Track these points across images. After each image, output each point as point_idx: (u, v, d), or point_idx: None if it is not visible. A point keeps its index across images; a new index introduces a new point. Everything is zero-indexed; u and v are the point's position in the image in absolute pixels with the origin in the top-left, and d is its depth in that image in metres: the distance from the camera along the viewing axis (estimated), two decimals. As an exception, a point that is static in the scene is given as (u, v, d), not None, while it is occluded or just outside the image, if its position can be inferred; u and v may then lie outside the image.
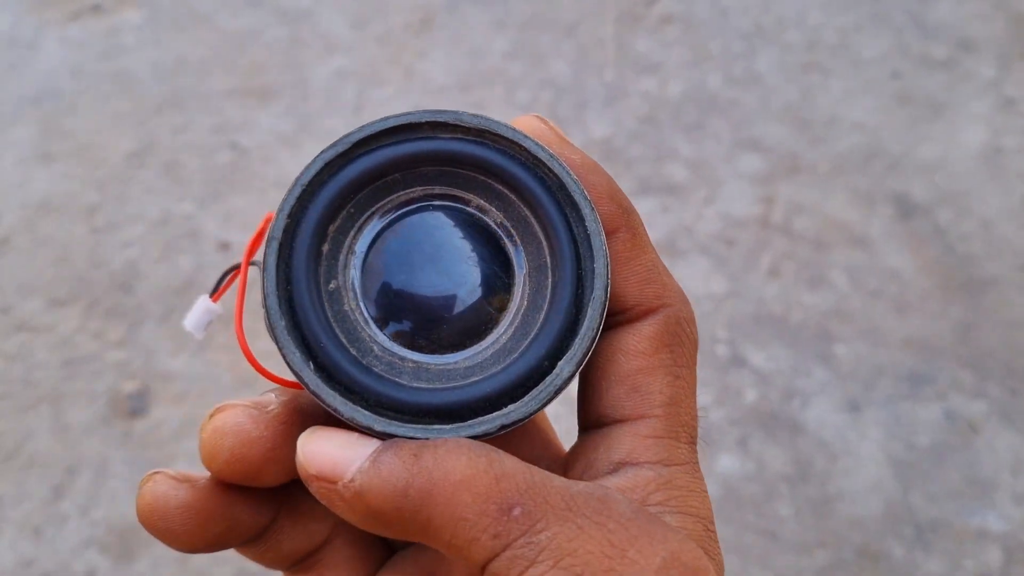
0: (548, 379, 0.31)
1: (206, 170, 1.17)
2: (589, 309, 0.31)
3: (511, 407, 0.30)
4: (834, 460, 1.05)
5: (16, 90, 1.21)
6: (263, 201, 1.15)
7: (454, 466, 0.28)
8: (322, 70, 1.26)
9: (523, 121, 0.34)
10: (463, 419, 0.30)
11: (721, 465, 1.04)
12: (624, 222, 0.33)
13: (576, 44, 1.31)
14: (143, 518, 0.32)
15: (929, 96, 1.30)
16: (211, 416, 0.32)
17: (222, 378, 1.04)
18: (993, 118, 1.28)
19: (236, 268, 0.36)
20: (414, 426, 0.30)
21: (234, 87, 1.24)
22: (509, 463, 0.28)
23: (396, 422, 0.30)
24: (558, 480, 0.28)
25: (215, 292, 0.37)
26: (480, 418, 0.30)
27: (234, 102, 1.22)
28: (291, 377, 0.31)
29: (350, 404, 0.30)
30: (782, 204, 1.20)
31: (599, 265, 0.32)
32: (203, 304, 0.37)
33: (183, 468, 1.02)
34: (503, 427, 0.30)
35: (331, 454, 0.29)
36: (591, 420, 0.33)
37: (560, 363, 0.31)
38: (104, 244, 1.11)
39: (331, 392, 0.30)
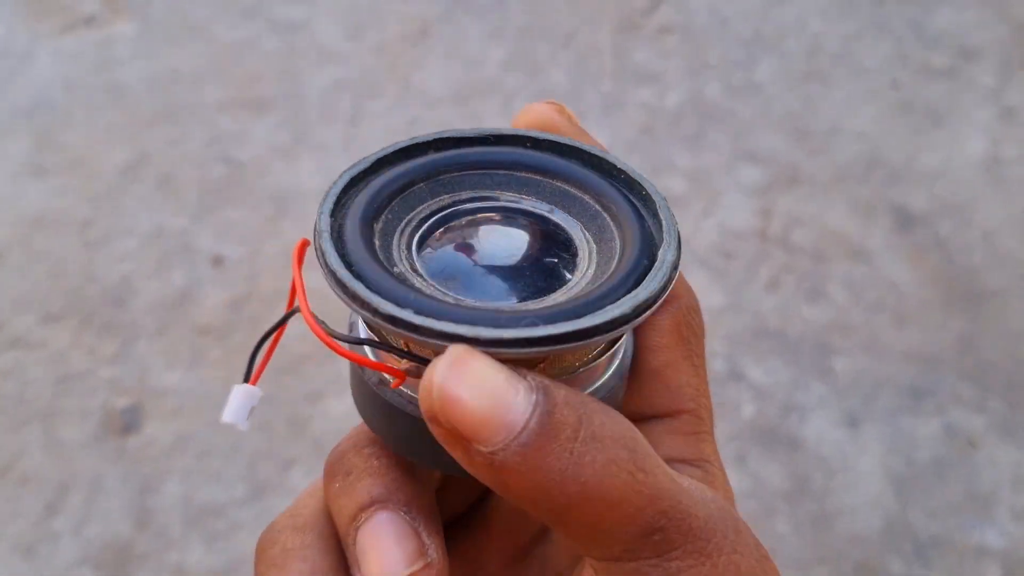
0: (655, 267, 0.29)
1: (200, 183, 1.16)
2: (664, 225, 0.30)
3: (632, 294, 0.27)
4: (833, 476, 1.04)
5: (9, 103, 1.20)
6: (257, 214, 1.15)
7: (612, 484, 0.24)
8: (318, 81, 1.25)
9: (537, 108, 0.34)
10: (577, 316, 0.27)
11: (718, 482, 1.03)
12: None
13: (573, 54, 1.30)
14: None
15: (929, 105, 1.29)
16: None
17: (216, 394, 1.03)
18: (994, 127, 1.27)
19: (266, 339, 0.33)
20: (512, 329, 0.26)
21: (229, 99, 1.23)
22: (662, 478, 0.26)
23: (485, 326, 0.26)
24: (698, 497, 0.26)
25: (249, 375, 0.33)
26: (605, 307, 0.27)
27: (228, 114, 1.22)
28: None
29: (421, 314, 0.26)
30: (781, 216, 1.19)
31: (663, 210, 0.31)
32: (240, 391, 0.33)
33: (175, 485, 1.01)
34: (636, 309, 0.27)
35: (477, 409, 0.24)
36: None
37: (660, 252, 0.29)
38: (98, 259, 1.10)
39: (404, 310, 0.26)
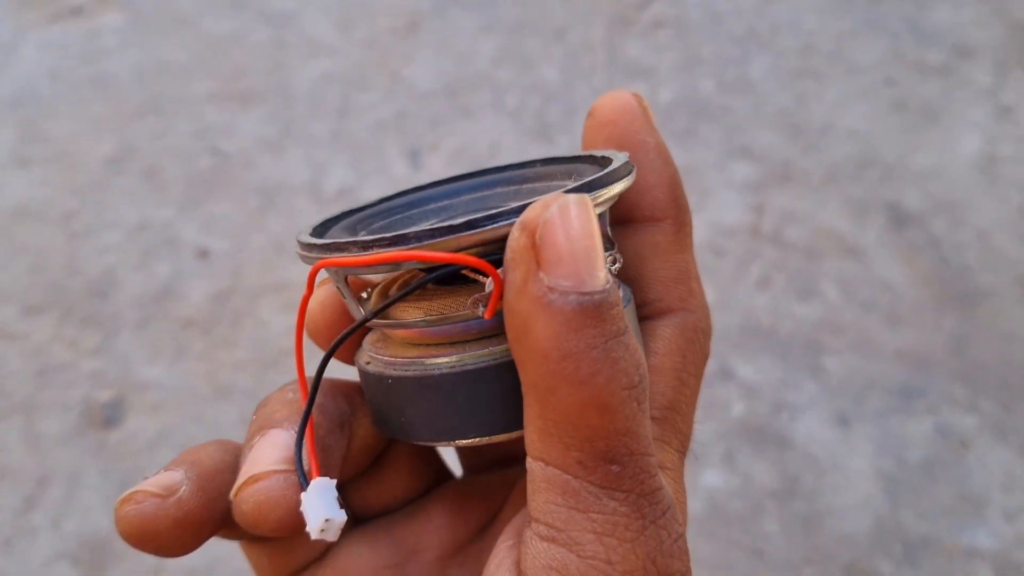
0: (616, 159, 0.30)
1: (186, 175, 1.15)
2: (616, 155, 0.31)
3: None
4: (823, 475, 1.03)
5: (-5, 93, 1.19)
6: (244, 207, 1.14)
7: (612, 392, 0.24)
8: (306, 74, 1.24)
9: (615, 96, 0.33)
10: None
11: (707, 480, 1.02)
12: (672, 215, 0.32)
13: (566, 49, 1.29)
14: (132, 540, 0.30)
15: (924, 104, 1.28)
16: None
17: (198, 388, 1.02)
18: (989, 126, 1.26)
19: (304, 428, 0.30)
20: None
21: (216, 91, 1.22)
22: (648, 428, 0.25)
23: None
24: (660, 474, 0.26)
25: (305, 474, 0.29)
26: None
27: (216, 106, 1.20)
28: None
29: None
30: (773, 213, 1.18)
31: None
32: (311, 493, 0.28)
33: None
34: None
35: (568, 251, 0.24)
36: None
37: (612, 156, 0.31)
38: (81, 251, 1.09)
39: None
